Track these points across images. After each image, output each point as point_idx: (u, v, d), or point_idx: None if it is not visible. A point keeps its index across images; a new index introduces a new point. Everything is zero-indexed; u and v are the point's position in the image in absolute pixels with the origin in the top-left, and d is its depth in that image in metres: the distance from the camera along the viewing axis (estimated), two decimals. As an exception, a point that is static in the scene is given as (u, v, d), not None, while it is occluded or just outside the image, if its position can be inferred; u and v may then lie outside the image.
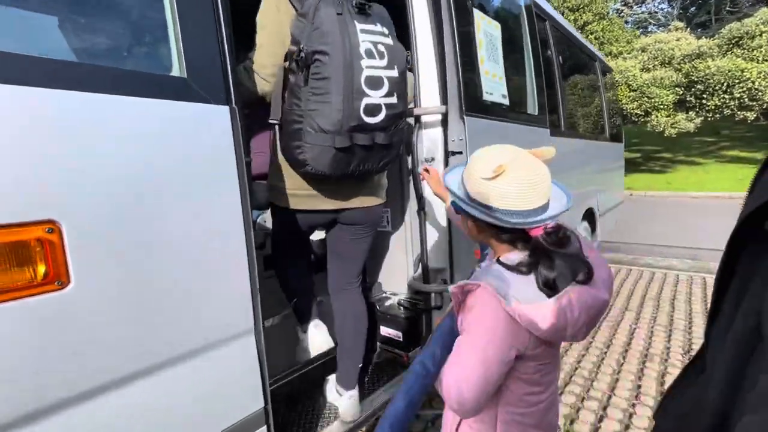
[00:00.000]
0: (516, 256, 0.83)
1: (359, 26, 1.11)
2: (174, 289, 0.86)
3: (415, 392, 0.89)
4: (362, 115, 1.10)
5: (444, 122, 1.68)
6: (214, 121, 0.93)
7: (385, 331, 1.97)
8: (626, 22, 21.79)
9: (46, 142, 0.69)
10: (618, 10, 21.47)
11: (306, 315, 1.57)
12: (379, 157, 1.21)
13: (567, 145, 2.69)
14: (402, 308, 1.96)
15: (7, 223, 0.66)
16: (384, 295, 2.11)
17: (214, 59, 0.94)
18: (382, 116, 1.14)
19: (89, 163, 0.74)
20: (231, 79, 0.97)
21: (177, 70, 0.89)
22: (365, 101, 1.10)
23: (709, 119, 11.41)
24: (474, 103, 1.63)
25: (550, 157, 0.83)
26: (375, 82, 1.11)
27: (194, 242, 0.89)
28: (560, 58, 3.01)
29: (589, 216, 3.61)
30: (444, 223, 1.74)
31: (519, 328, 0.76)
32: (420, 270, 1.89)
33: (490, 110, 1.78)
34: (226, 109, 0.96)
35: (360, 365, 1.51)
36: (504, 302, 0.75)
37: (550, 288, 0.77)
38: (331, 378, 1.63)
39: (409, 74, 1.33)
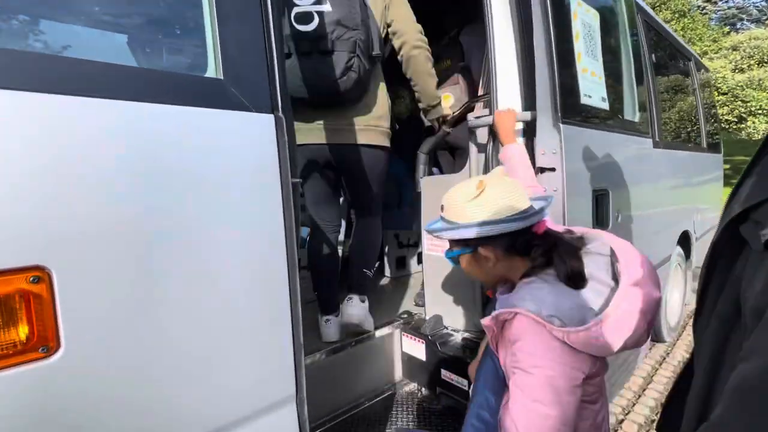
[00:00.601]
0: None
1: None
2: (196, 353, 0.67)
3: None
4: (295, 23, 1.21)
5: (527, 132, 1.38)
6: (255, 134, 0.74)
7: (446, 375, 1.68)
8: (710, 19, 19.64)
9: (32, 159, 0.52)
10: (700, 6, 19.43)
11: (326, 306, 1.64)
12: (327, 68, 1.24)
13: (669, 158, 2.25)
14: (467, 350, 1.66)
15: (-23, 272, 0.49)
16: (445, 331, 1.83)
17: (257, 57, 0.75)
18: (315, 24, 1.21)
19: (90, 190, 0.56)
20: (278, 82, 0.78)
21: (212, 70, 0.71)
22: (295, 10, 1.21)
23: (822, 125, 9.76)
24: (569, 108, 1.32)
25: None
26: None
27: (225, 291, 0.70)
28: (653, 56, 2.58)
29: (684, 240, 3.05)
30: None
31: (576, 350, 0.71)
32: (490, 307, 1.59)
33: (589, 116, 1.45)
34: (270, 118, 0.76)
35: (367, 275, 1.68)
36: (549, 325, 0.70)
37: (574, 282, 0.74)
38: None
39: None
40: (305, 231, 2.34)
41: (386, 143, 1.52)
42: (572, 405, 0.69)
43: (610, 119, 1.61)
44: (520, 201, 0.79)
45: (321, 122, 1.40)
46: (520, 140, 1.40)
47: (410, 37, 1.42)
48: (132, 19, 0.66)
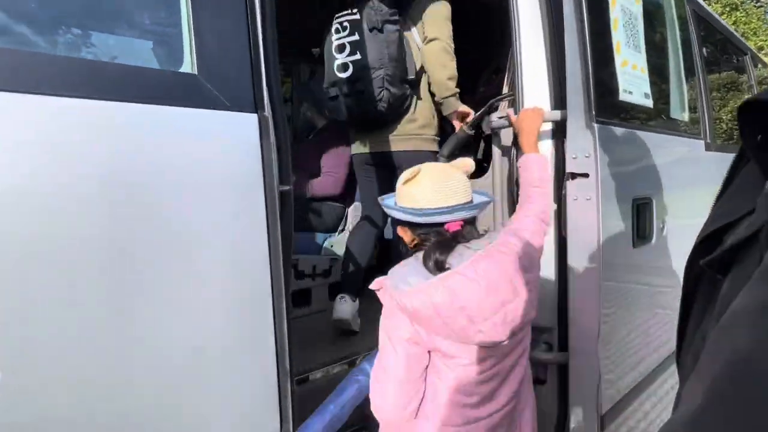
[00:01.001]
0: None
1: (336, 19, 1.57)
2: (156, 384, 0.59)
3: (347, 395, 0.88)
4: (336, 72, 1.56)
5: (557, 133, 1.23)
6: (235, 136, 0.66)
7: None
8: (766, 12, 18.18)
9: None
10: (755, -2, 18.02)
11: (347, 287, 1.71)
12: (364, 102, 1.55)
13: (723, 162, 2.01)
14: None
15: None
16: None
17: (239, 49, 0.67)
18: (350, 71, 1.53)
19: (32, 201, 0.50)
20: (264, 78, 0.69)
21: (188, 64, 0.64)
22: (336, 62, 1.56)
23: None
24: (606, 106, 1.16)
25: (468, 170, 0.91)
26: (340, 48, 1.55)
27: (194, 314, 0.61)
28: (704, 49, 2.33)
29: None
30: (553, 262, 1.28)
31: (414, 322, 0.78)
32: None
33: (629, 115, 1.28)
34: (253, 117, 0.68)
35: (359, 277, 1.78)
36: (390, 290, 0.79)
37: (439, 269, 0.78)
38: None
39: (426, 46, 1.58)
40: (320, 237, 2.29)
41: (431, 148, 1.67)
42: (405, 368, 0.78)
43: (654, 118, 1.43)
44: (444, 197, 0.83)
45: (370, 135, 1.69)
46: (549, 143, 1.25)
47: (429, 34, 1.54)
48: (91, 3, 0.59)
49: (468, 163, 0.91)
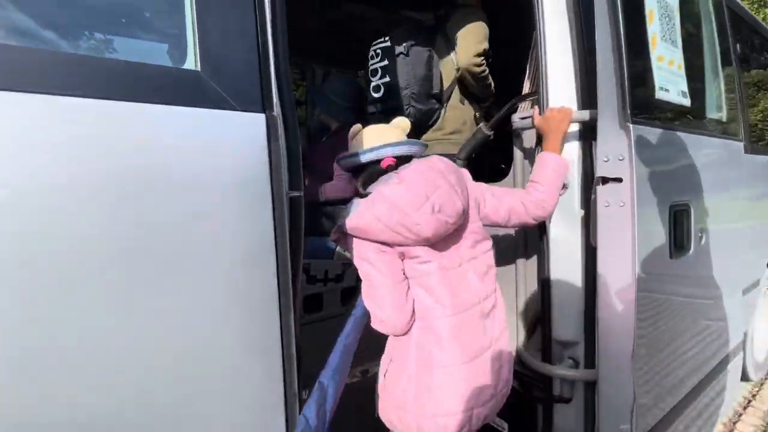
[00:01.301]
0: None
1: (372, 46, 1.80)
2: (148, 404, 0.54)
3: (348, 328, 0.98)
4: (372, 93, 1.79)
5: (586, 134, 1.15)
6: (241, 137, 0.61)
7: (483, 413, 1.47)
8: (798, 8, 17.43)
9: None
10: (785, -6, 17.29)
11: None
12: (394, 117, 1.73)
13: (763, 166, 1.88)
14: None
15: None
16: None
17: (246, 44, 0.62)
18: (382, 92, 1.76)
19: (24, 204, 0.46)
20: (273, 75, 0.64)
21: (191, 61, 0.59)
22: (372, 84, 1.79)
23: None
24: (641, 105, 1.08)
25: (404, 127, 1.06)
26: (374, 72, 1.79)
27: (194, 325, 0.57)
28: (739, 46, 2.20)
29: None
30: (579, 269, 1.19)
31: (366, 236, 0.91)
32: (536, 339, 1.36)
33: (665, 115, 1.19)
34: (261, 118, 0.63)
35: None
36: (342, 224, 0.91)
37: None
38: None
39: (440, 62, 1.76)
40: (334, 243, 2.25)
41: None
42: (386, 273, 0.90)
43: (691, 118, 1.33)
44: (377, 142, 0.98)
45: None
46: (575, 145, 1.17)
47: (459, 58, 1.70)
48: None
49: (404, 120, 1.06)
